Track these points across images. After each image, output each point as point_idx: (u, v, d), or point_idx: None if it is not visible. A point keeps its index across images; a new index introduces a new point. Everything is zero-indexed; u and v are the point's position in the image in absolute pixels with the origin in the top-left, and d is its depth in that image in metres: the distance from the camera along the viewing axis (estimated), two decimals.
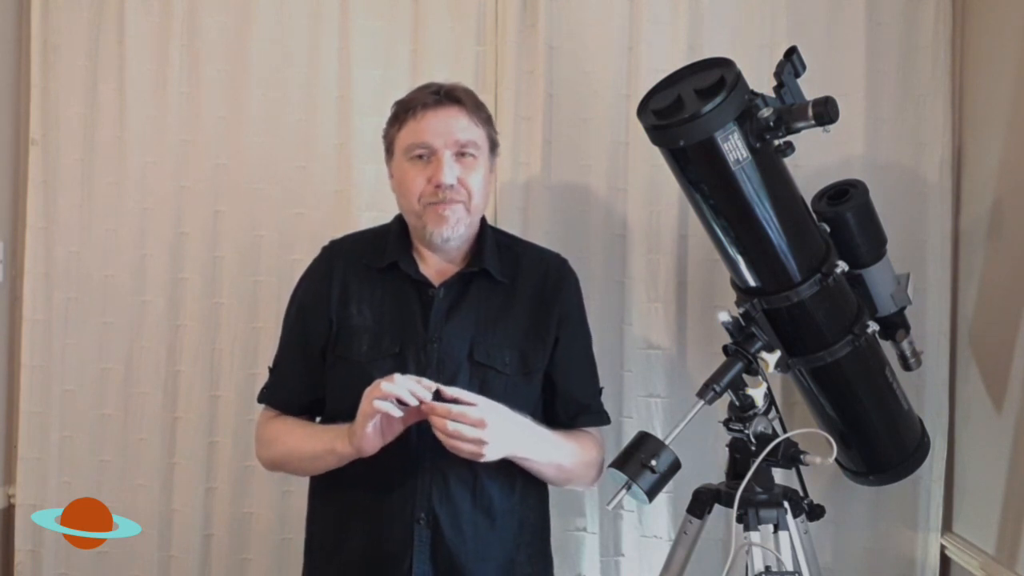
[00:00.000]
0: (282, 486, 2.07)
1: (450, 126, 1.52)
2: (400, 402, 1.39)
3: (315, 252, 1.67)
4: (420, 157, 1.52)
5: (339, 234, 1.71)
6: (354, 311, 1.57)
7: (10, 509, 2.16)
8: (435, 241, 1.54)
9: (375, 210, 2.00)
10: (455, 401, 1.40)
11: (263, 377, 1.67)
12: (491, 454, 1.41)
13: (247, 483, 2.11)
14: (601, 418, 1.64)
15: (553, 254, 1.69)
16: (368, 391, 1.40)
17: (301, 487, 1.65)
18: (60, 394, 2.14)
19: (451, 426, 1.38)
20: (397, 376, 1.40)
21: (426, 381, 1.41)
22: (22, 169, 2.17)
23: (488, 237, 1.61)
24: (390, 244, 1.60)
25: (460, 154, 1.52)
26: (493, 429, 1.39)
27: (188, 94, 2.13)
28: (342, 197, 2.10)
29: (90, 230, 2.15)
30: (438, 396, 1.40)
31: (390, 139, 1.58)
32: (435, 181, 1.50)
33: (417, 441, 1.49)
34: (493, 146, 1.60)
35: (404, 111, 1.55)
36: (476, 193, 1.53)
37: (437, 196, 1.51)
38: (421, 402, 1.39)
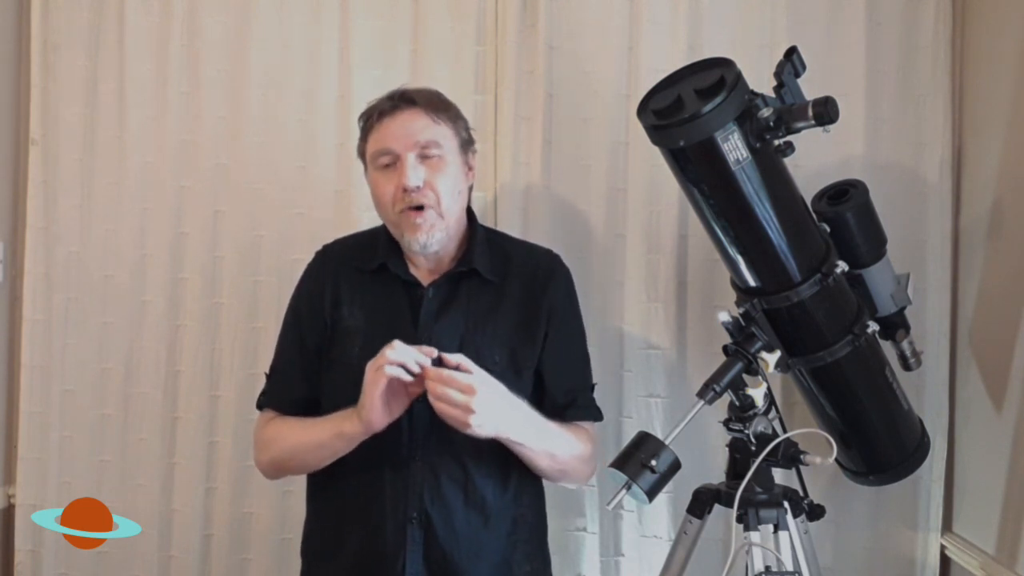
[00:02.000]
0: (282, 486, 2.07)
1: (408, 128, 1.52)
2: (404, 370, 1.40)
3: (315, 252, 1.68)
4: (388, 166, 1.53)
5: (339, 234, 1.72)
6: (346, 313, 1.57)
7: (10, 509, 2.16)
8: (413, 248, 1.54)
9: (375, 210, 1.99)
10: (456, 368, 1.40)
11: (263, 377, 1.67)
12: (478, 425, 1.39)
13: (247, 483, 2.11)
14: (590, 412, 1.63)
15: (544, 250, 1.69)
16: (372, 361, 1.41)
17: (301, 487, 1.65)
18: (60, 394, 2.14)
19: (438, 388, 1.38)
20: (397, 343, 1.40)
21: (426, 348, 1.41)
22: (22, 169, 2.17)
23: (478, 236, 1.61)
24: (380, 246, 1.60)
25: (425, 156, 1.52)
26: (482, 398, 1.38)
27: (188, 94, 2.13)
28: (342, 197, 2.10)
29: (90, 230, 2.15)
30: (440, 363, 1.41)
31: (361, 152, 1.59)
32: (401, 186, 1.50)
33: (409, 440, 1.50)
34: (465, 144, 1.59)
35: (365, 121, 1.57)
36: (444, 195, 1.52)
37: (406, 201, 1.51)
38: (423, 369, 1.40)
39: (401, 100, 1.54)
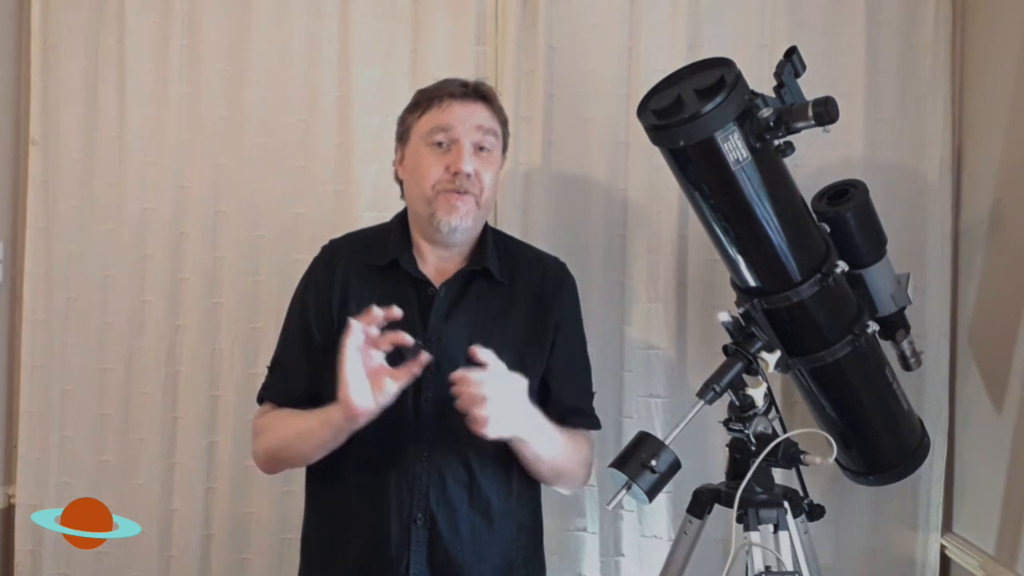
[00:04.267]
0: (282, 486, 2.07)
1: (474, 118, 1.54)
2: (396, 356, 1.38)
3: (315, 252, 1.67)
4: (439, 145, 1.53)
5: (339, 234, 1.71)
6: (354, 310, 1.55)
7: (10, 509, 2.16)
8: (442, 230, 1.52)
9: (375, 210, 2.00)
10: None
11: (263, 377, 1.66)
12: (493, 416, 1.35)
13: (247, 483, 2.11)
14: (591, 422, 1.64)
15: (551, 257, 1.69)
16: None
17: (301, 487, 1.65)
18: (60, 394, 2.14)
19: (471, 388, 1.35)
20: (358, 318, 1.38)
21: (408, 336, 1.38)
22: (22, 169, 2.17)
23: (488, 237, 1.62)
24: (391, 242, 1.60)
25: (479, 148, 1.53)
26: (497, 400, 1.35)
27: (188, 94, 2.13)
28: (342, 197, 2.10)
29: (90, 230, 2.15)
30: (418, 352, 1.39)
31: (407, 125, 1.58)
32: (454, 168, 1.50)
33: (414, 441, 1.49)
34: (504, 147, 1.62)
35: (428, 100, 1.56)
36: (488, 188, 1.54)
37: (453, 184, 1.51)
38: (413, 356, 1.38)
39: (474, 92, 1.56)
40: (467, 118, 1.53)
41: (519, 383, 1.42)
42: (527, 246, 1.72)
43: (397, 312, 1.38)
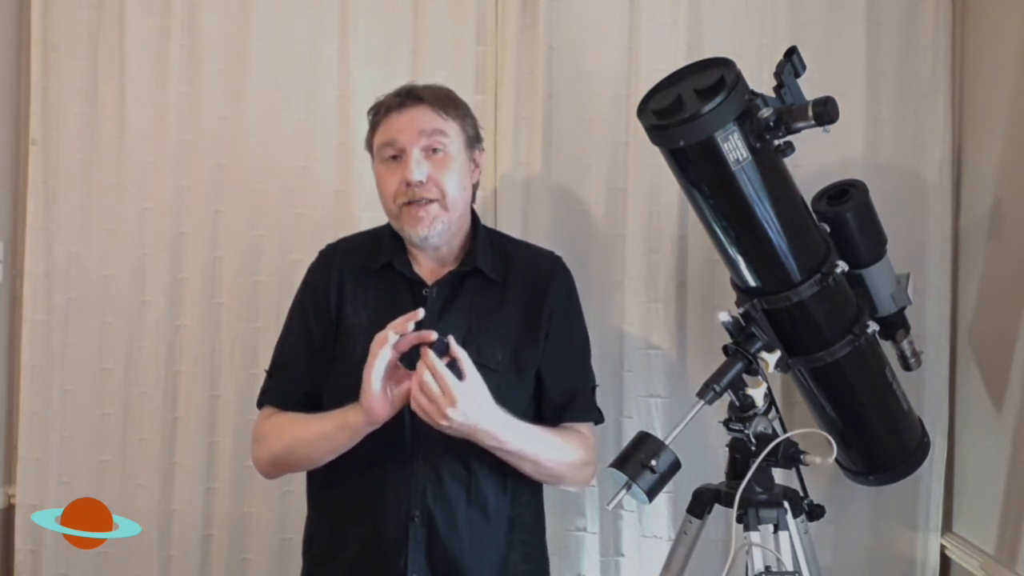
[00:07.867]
0: (282, 486, 2.07)
1: (414, 121, 1.53)
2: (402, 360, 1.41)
3: (315, 252, 1.68)
4: (394, 159, 1.54)
5: (339, 234, 1.72)
6: (350, 311, 1.58)
7: (10, 509, 2.16)
8: (414, 241, 1.55)
9: (375, 210, 1.97)
10: (451, 362, 1.41)
11: (263, 377, 1.66)
12: (447, 427, 1.40)
13: (247, 483, 2.11)
14: (589, 414, 1.62)
15: (546, 252, 1.69)
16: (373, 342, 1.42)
17: (301, 487, 1.65)
18: (60, 394, 2.14)
19: (425, 376, 1.38)
20: (388, 327, 1.41)
21: (426, 332, 1.41)
22: (22, 169, 2.17)
23: (481, 236, 1.62)
24: (385, 245, 1.61)
25: (432, 150, 1.53)
26: (459, 408, 1.38)
27: (188, 94, 2.13)
28: (342, 197, 2.10)
29: (90, 230, 2.15)
30: (446, 349, 1.41)
31: (369, 145, 1.61)
32: (405, 180, 1.51)
33: (411, 438, 1.50)
34: (472, 141, 1.60)
35: (374, 115, 1.58)
36: (450, 189, 1.53)
37: (408, 195, 1.51)
38: (438, 351, 1.40)
39: (408, 97, 1.55)
40: (407, 126, 1.53)
41: (483, 394, 1.43)
42: (523, 243, 1.73)
43: (420, 313, 1.41)
